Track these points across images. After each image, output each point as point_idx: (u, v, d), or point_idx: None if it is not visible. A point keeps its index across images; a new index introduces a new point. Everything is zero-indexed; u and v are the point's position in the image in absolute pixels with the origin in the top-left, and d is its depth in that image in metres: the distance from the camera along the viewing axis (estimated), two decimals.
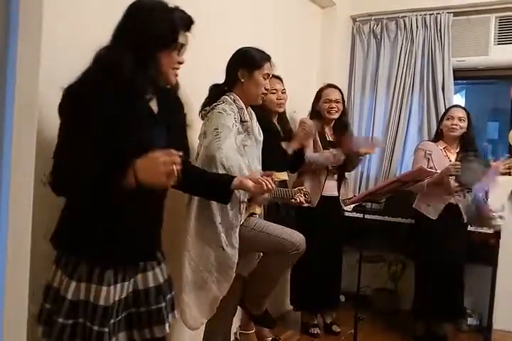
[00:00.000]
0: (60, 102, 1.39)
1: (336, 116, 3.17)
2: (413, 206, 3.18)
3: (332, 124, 3.23)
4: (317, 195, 3.09)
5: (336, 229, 3.20)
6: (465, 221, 3.10)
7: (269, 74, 2.21)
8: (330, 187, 3.16)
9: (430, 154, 3.09)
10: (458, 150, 3.17)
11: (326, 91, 3.18)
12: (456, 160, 3.08)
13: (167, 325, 1.60)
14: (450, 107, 3.28)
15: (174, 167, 1.31)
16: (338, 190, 3.21)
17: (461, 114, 3.13)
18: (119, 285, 1.48)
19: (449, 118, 3.13)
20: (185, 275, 2.08)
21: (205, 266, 2.08)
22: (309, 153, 3.00)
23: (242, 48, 2.22)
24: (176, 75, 1.55)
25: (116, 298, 1.47)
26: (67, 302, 1.43)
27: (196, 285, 2.09)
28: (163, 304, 1.59)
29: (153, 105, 1.54)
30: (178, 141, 1.58)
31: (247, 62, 2.16)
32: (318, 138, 3.09)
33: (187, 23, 1.51)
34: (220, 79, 2.23)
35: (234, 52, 2.23)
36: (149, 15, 1.44)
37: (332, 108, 3.13)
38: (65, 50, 1.79)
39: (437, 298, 3.03)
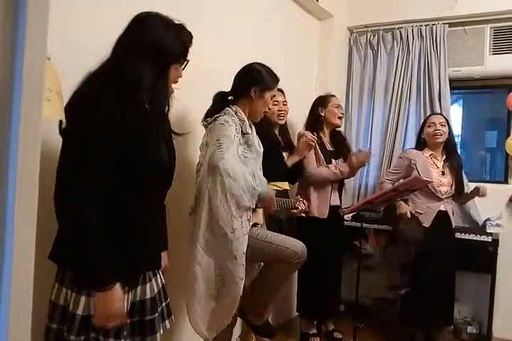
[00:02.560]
0: (71, 105, 1.38)
1: (341, 123, 3.23)
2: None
3: (329, 133, 3.24)
4: (326, 207, 3.10)
5: (338, 237, 3.22)
6: (453, 226, 3.13)
7: (274, 95, 2.33)
8: (333, 197, 3.17)
9: (415, 164, 3.10)
10: (444, 157, 3.20)
11: (332, 98, 3.21)
12: (443, 166, 3.14)
13: (158, 335, 1.61)
14: (428, 116, 3.33)
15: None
16: (340, 199, 3.23)
17: (441, 119, 3.17)
18: (125, 297, 1.47)
19: (430, 126, 3.15)
20: (198, 288, 2.06)
21: (217, 277, 2.05)
22: (313, 167, 3.03)
23: (256, 66, 2.27)
24: (173, 90, 1.60)
25: (125, 310, 1.47)
26: (79, 318, 1.40)
27: (209, 298, 2.06)
28: (156, 314, 1.59)
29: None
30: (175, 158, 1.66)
31: (261, 83, 2.21)
32: (319, 150, 3.09)
33: (191, 39, 1.58)
34: (218, 87, 2.28)
35: (246, 65, 2.28)
36: (164, 30, 1.48)
37: (342, 113, 3.19)
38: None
39: (424, 305, 3.02)
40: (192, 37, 1.58)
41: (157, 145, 1.49)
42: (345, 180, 3.33)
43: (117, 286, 1.39)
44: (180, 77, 1.59)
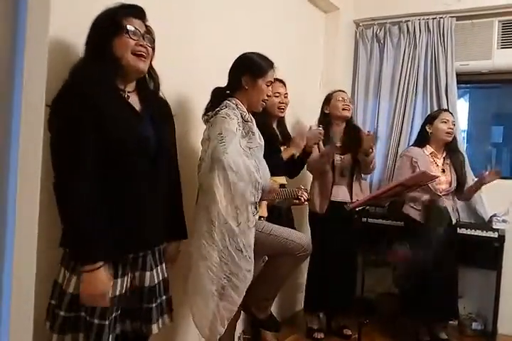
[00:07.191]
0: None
1: (349, 114, 3.18)
2: (402, 210, 3.18)
3: (343, 128, 3.22)
4: (326, 200, 3.07)
5: (349, 234, 3.09)
6: (453, 222, 3.09)
7: (271, 82, 2.21)
8: (340, 193, 3.12)
9: (416, 161, 3.08)
10: (444, 154, 3.18)
11: (336, 93, 3.21)
12: (443, 164, 3.12)
13: (155, 326, 1.65)
14: (441, 111, 3.28)
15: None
16: (351, 196, 3.14)
17: (453, 118, 3.17)
18: (119, 280, 1.54)
19: (444, 122, 3.11)
20: (202, 285, 1.99)
21: (224, 272, 1.98)
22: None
23: (246, 54, 2.21)
24: (143, 60, 1.59)
25: (117, 293, 1.53)
26: (69, 295, 1.49)
27: (215, 295, 1.99)
28: (154, 305, 1.64)
29: (135, 103, 1.63)
30: (166, 137, 1.71)
31: (251, 70, 2.15)
32: (322, 144, 3.06)
33: (129, 9, 1.58)
34: (222, 81, 2.24)
35: (237, 56, 2.22)
36: (97, 18, 1.57)
37: (347, 105, 3.15)
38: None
39: (425, 300, 3.00)
40: (131, 7, 1.59)
41: (119, 121, 1.53)
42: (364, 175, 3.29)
43: (103, 269, 1.44)
44: (141, 46, 1.58)
